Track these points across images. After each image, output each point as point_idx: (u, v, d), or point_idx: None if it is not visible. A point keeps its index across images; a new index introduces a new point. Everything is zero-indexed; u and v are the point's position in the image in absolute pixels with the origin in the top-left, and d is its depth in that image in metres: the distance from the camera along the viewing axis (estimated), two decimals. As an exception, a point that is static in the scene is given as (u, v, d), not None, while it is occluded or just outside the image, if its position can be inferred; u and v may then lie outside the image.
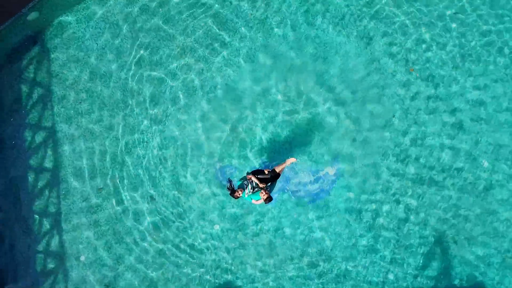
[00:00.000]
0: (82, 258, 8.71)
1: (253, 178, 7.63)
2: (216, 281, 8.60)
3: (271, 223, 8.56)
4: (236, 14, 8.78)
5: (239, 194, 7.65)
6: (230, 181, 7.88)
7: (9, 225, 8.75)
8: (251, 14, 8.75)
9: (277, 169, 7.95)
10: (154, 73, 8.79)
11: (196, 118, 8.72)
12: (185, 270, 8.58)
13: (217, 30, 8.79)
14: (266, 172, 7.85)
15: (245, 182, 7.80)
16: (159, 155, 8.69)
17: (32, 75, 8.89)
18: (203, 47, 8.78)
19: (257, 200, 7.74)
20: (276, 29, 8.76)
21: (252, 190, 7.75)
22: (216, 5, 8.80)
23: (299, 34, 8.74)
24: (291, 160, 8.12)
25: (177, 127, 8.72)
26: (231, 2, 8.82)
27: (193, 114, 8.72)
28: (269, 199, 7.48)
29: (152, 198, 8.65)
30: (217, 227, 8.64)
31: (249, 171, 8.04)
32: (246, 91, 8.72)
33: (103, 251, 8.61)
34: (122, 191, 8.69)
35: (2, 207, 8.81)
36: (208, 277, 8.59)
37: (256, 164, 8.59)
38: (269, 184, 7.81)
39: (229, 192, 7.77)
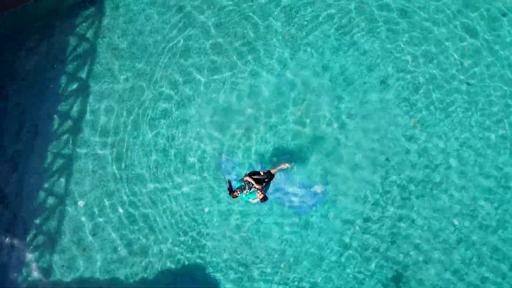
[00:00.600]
0: (81, 203, 9.62)
1: (249, 179, 8.30)
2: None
3: (254, 219, 9.47)
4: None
5: (237, 194, 8.21)
6: (229, 182, 8.54)
7: (24, 159, 9.67)
8: (287, 35, 9.73)
9: (272, 171, 8.74)
10: (185, 63, 9.78)
11: (219, 107, 9.68)
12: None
13: (253, 41, 9.77)
14: (261, 173, 8.52)
15: (243, 183, 8.40)
16: (175, 132, 9.64)
17: (81, 32, 9.84)
18: (239, 55, 9.76)
19: (254, 199, 8.40)
20: (304, 51, 9.73)
21: (249, 190, 8.36)
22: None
23: (325, 61, 9.69)
24: (285, 165, 8.92)
25: (196, 113, 9.66)
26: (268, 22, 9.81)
27: (218, 102, 9.68)
28: (264, 198, 8.14)
29: (156, 168, 9.57)
30: (206, 209, 9.56)
31: (246, 173, 8.75)
32: (266, 99, 9.64)
33: (102, 199, 9.56)
34: (131, 153, 9.60)
35: (22, 139, 9.71)
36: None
37: (255, 166, 9.52)
38: (264, 184, 8.55)
39: (228, 192, 8.43)
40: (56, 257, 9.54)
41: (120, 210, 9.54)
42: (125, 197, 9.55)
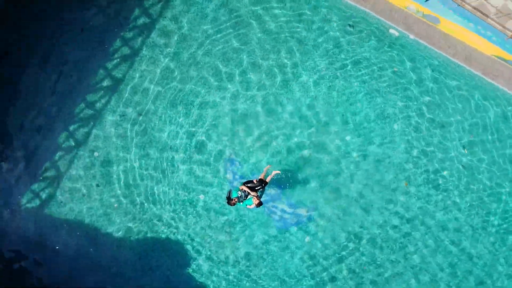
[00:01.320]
0: (96, 154, 10.58)
1: (245, 188, 9.25)
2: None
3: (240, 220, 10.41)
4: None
5: (235, 202, 9.20)
6: (229, 192, 9.44)
7: (60, 100, 10.70)
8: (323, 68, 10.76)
9: (262, 177, 9.59)
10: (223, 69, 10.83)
11: (237, 112, 10.68)
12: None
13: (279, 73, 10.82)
14: (255, 181, 9.43)
15: (239, 192, 9.33)
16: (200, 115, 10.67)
17: (148, 7, 10.90)
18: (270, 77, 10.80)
19: (250, 205, 9.33)
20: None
21: (245, 198, 9.29)
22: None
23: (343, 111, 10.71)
24: (275, 172, 9.81)
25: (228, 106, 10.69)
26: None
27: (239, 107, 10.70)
28: (259, 204, 9.12)
29: (171, 146, 10.55)
30: (202, 197, 10.49)
31: (241, 183, 9.59)
32: (285, 116, 10.66)
33: (115, 158, 10.57)
34: (154, 124, 10.61)
35: (62, 82, 10.72)
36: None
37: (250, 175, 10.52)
38: (259, 191, 9.47)
39: (226, 200, 9.37)
40: (58, 193, 10.48)
41: (129, 172, 10.51)
42: (135, 164, 10.52)
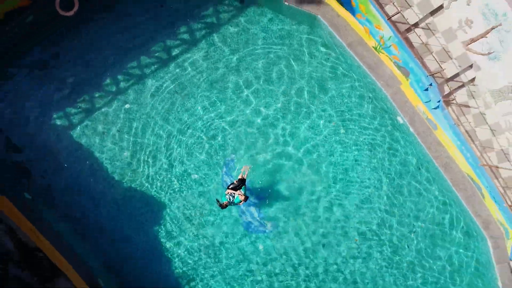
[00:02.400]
0: (127, 106, 12.48)
1: (230, 191, 11.18)
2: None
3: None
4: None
5: (226, 204, 11.12)
6: (217, 200, 11.26)
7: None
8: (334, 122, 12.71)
9: (240, 177, 11.57)
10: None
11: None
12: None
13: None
14: (235, 182, 11.37)
15: (227, 196, 11.23)
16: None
17: (208, 15, 12.88)
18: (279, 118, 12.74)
19: (239, 202, 11.17)
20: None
21: (233, 198, 11.14)
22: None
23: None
24: (246, 167, 11.81)
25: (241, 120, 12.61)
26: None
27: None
28: (246, 198, 11.06)
29: (187, 124, 12.48)
30: (195, 176, 12.39)
31: (226, 188, 11.47)
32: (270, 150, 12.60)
33: (143, 116, 12.48)
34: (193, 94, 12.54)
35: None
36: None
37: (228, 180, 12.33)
38: (241, 188, 11.25)
39: (220, 207, 11.23)
40: (84, 123, 12.37)
41: (149, 133, 12.43)
42: (156, 128, 12.45)
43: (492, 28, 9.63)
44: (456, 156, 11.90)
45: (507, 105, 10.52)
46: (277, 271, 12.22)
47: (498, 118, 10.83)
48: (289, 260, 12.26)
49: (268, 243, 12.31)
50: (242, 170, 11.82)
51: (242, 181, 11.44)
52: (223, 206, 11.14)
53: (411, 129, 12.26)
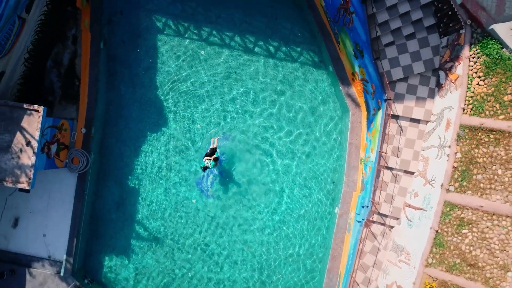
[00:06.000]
0: (202, 52, 16.46)
1: (206, 158, 15.44)
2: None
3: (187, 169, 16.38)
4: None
5: (206, 166, 15.31)
6: (202, 167, 15.53)
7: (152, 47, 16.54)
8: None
9: (212, 146, 15.67)
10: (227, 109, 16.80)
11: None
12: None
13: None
14: (209, 151, 15.59)
15: (206, 162, 15.40)
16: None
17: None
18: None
19: (215, 165, 15.43)
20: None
21: (209, 163, 15.34)
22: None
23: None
24: (215, 138, 15.85)
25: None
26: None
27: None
28: (216, 160, 15.24)
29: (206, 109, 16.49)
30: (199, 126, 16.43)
31: (203, 156, 15.84)
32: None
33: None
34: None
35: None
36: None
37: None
38: (214, 154, 15.43)
39: (202, 169, 15.43)
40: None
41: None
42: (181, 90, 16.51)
43: (421, 209, 13.73)
44: (344, 258, 16.01)
45: (395, 256, 14.62)
46: (191, 220, 16.31)
47: (383, 259, 14.93)
48: (203, 218, 16.38)
49: (201, 202, 16.34)
50: (212, 141, 15.90)
51: (213, 150, 15.57)
52: (203, 169, 15.31)
53: (336, 221, 16.37)
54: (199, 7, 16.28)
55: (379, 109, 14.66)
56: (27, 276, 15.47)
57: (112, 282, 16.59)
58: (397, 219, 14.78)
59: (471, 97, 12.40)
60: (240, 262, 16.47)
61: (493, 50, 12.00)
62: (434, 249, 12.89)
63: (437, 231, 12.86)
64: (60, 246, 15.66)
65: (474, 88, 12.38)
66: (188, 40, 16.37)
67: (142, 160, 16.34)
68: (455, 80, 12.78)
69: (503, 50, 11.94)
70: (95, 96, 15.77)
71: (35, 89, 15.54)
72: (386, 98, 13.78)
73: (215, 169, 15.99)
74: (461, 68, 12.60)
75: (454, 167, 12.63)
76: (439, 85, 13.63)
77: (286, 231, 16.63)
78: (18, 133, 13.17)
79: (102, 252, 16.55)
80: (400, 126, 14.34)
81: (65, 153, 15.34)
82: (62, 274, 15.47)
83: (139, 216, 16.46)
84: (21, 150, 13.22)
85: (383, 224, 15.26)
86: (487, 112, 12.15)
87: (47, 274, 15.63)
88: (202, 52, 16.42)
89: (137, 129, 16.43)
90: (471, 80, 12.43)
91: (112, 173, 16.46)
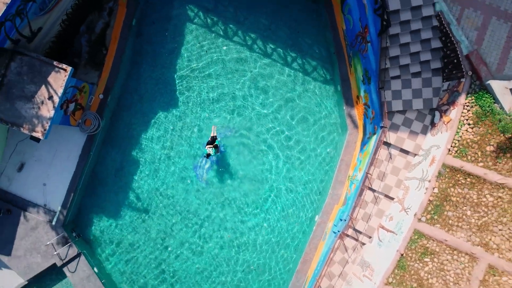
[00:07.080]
0: (224, 48, 17.58)
1: (207, 146, 16.56)
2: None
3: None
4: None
5: (209, 154, 16.45)
6: (205, 154, 16.73)
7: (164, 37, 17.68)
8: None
9: (212, 134, 16.84)
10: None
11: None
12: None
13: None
14: (210, 139, 16.71)
15: (208, 149, 16.53)
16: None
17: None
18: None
19: (216, 151, 16.60)
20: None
21: (211, 150, 16.51)
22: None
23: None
24: (213, 127, 17.06)
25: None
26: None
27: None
28: (216, 147, 16.44)
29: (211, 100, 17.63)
30: (207, 114, 17.56)
31: (204, 145, 17.05)
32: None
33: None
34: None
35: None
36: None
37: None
38: (214, 143, 16.59)
39: (206, 156, 16.63)
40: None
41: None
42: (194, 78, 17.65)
43: (392, 232, 14.87)
44: (314, 263, 17.15)
45: (360, 270, 15.76)
46: (182, 201, 17.48)
47: (350, 271, 16.07)
48: (193, 204, 17.50)
49: (193, 185, 17.48)
50: (213, 128, 17.11)
51: (213, 138, 16.72)
52: (207, 156, 16.55)
53: (313, 228, 17.51)
54: (230, 6, 17.39)
55: (374, 134, 15.80)
56: (21, 218, 16.56)
57: (97, 241, 17.69)
58: (370, 237, 15.90)
59: (458, 141, 13.54)
60: (220, 240, 17.68)
61: (486, 103, 13.13)
62: (396, 270, 14.05)
63: (402, 255, 14.01)
64: (57, 197, 16.74)
65: (463, 133, 13.52)
66: (214, 34, 17.47)
67: (148, 135, 17.44)
68: (448, 122, 13.91)
69: (495, 104, 13.08)
70: (118, 67, 16.86)
71: (65, 49, 16.63)
72: (382, 125, 14.90)
73: (213, 156, 17.09)
74: (455, 113, 13.73)
75: (429, 200, 13.77)
76: (432, 124, 14.75)
77: (266, 229, 17.75)
78: (43, 87, 14.25)
79: (94, 212, 17.65)
80: (390, 154, 15.47)
81: (80, 113, 16.43)
82: (53, 223, 16.56)
83: (135, 185, 17.56)
84: (42, 102, 14.30)
85: (356, 240, 16.38)
86: (469, 157, 13.29)
87: (40, 221, 16.72)
88: (224, 47, 17.50)
89: (149, 105, 17.52)
90: (461, 125, 13.57)
91: (118, 141, 17.55)
